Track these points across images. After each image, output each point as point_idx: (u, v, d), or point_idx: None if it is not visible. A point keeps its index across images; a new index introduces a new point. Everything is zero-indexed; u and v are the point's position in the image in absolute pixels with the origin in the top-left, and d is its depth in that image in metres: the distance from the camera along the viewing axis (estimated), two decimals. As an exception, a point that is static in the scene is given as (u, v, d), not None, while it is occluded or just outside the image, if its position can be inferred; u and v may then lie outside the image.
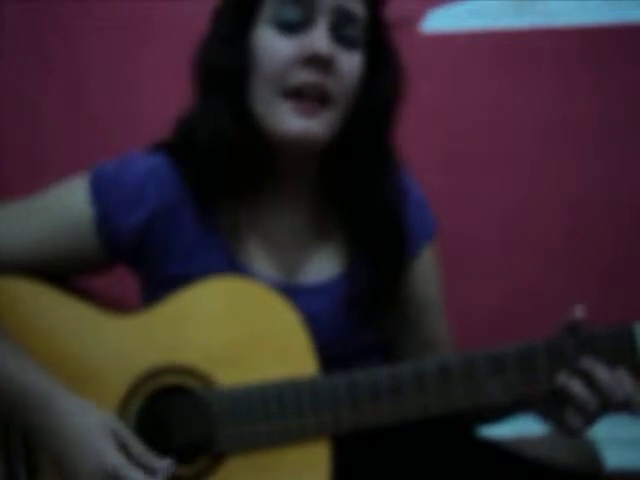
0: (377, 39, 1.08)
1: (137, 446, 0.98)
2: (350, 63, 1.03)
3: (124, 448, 0.97)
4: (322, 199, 1.12)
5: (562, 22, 1.93)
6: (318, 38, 1.00)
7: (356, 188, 1.09)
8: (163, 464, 0.97)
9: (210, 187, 1.06)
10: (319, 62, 1.00)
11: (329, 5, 1.01)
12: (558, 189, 1.97)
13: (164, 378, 1.02)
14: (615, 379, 0.98)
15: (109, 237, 1.06)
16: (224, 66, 1.04)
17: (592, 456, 1.24)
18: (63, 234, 1.06)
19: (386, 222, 1.10)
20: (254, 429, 1.00)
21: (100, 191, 1.05)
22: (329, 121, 1.02)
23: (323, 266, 1.11)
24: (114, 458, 0.95)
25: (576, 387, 0.98)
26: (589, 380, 0.98)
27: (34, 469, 1.03)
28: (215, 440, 1.01)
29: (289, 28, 1.01)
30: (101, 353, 1.03)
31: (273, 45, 1.02)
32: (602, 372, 0.98)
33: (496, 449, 1.12)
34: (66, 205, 1.06)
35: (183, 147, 1.07)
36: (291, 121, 1.01)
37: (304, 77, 1.00)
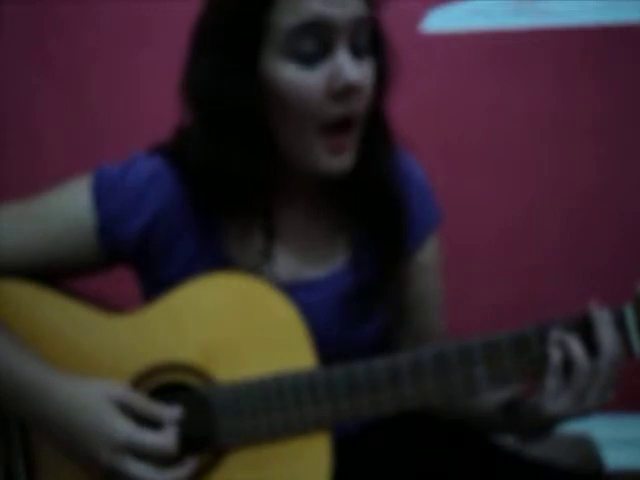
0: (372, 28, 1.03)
1: (139, 401, 0.98)
2: (369, 75, 0.99)
3: (127, 408, 0.97)
4: (324, 199, 1.12)
5: (562, 22, 1.93)
6: (345, 67, 0.95)
7: (357, 176, 1.07)
8: (169, 412, 0.98)
9: (215, 201, 1.06)
10: (351, 91, 0.97)
11: (344, 23, 0.96)
12: (558, 189, 1.97)
13: (163, 376, 1.02)
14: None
15: (110, 243, 1.05)
16: (238, 100, 0.98)
17: (592, 456, 1.25)
18: (65, 239, 1.05)
19: (387, 214, 1.09)
20: (255, 423, 1.00)
21: (102, 197, 1.04)
22: (356, 144, 1.01)
23: (322, 263, 1.11)
24: (123, 427, 0.95)
25: (574, 349, 0.97)
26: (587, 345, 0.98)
27: (33, 468, 1.03)
28: (216, 436, 1.01)
29: (309, 60, 0.96)
30: (100, 353, 1.03)
31: (297, 80, 0.96)
32: (605, 335, 0.97)
33: (496, 449, 1.12)
34: (68, 210, 1.05)
35: (191, 172, 1.04)
36: (327, 161, 0.99)
37: (338, 110, 0.97)
